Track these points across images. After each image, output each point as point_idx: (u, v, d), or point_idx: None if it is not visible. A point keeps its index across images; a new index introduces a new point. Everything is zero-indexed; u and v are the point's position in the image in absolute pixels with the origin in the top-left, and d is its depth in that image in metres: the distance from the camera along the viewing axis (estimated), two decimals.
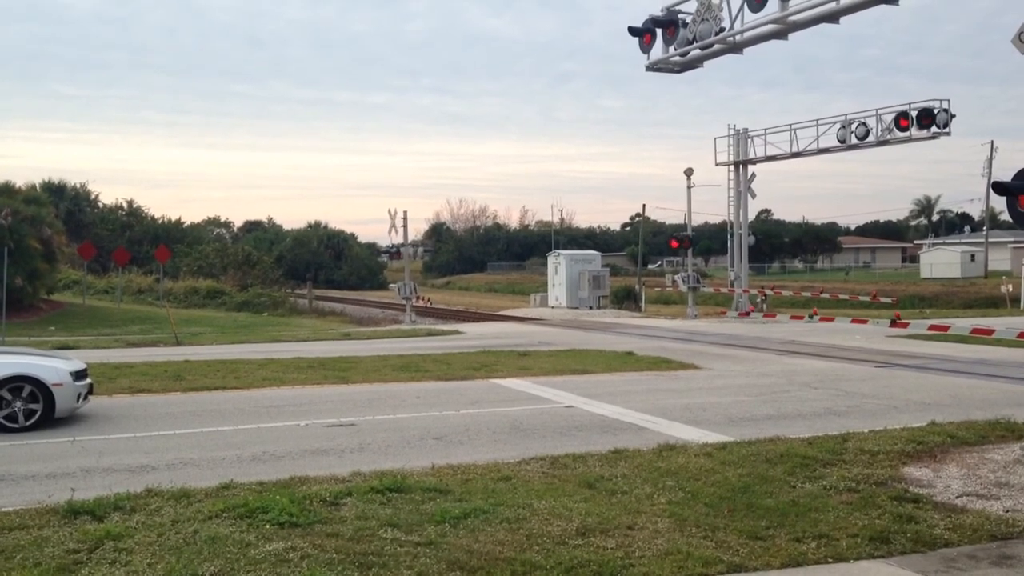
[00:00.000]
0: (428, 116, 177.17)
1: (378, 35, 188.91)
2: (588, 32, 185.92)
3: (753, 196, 34.38)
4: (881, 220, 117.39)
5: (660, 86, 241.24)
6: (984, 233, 71.66)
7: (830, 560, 5.90)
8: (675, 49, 17.53)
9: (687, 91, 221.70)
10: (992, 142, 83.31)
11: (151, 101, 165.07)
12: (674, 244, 37.55)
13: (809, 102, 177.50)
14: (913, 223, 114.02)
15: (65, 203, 61.60)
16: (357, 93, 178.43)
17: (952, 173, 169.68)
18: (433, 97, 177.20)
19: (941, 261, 66.52)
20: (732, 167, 34.02)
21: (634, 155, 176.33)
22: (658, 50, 17.85)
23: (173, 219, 75.45)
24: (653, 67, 18.11)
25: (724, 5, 16.38)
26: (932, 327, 23.66)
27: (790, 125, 31.98)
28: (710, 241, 76.68)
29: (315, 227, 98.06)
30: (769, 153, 32.99)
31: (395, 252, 37.20)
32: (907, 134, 28.25)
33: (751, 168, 33.88)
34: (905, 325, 24.86)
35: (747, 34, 16.22)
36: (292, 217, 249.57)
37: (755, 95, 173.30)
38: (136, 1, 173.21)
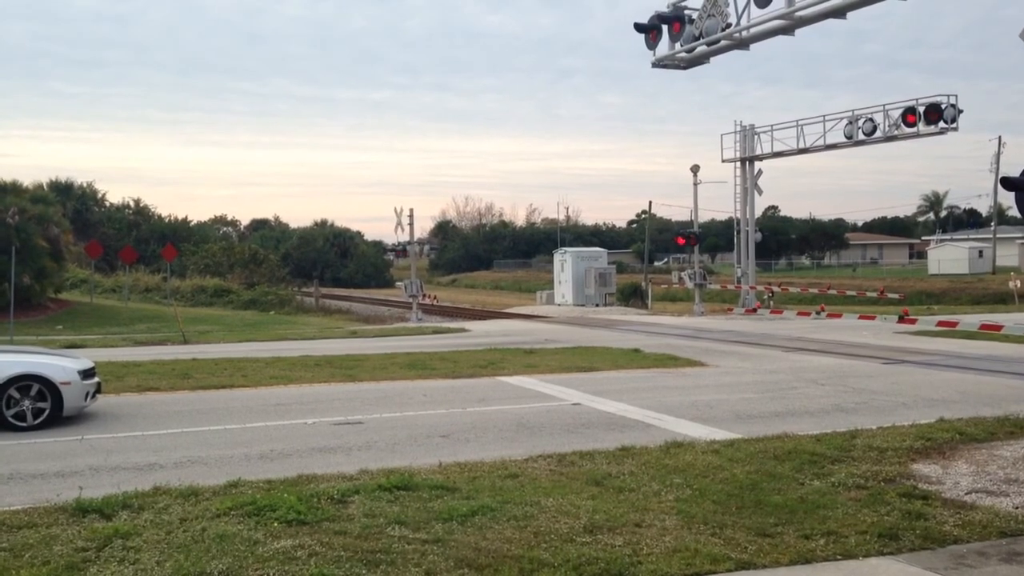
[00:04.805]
0: (431, 113, 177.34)
1: (378, 32, 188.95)
2: (588, 28, 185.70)
3: (760, 192, 34.35)
4: (888, 216, 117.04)
5: (661, 82, 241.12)
6: (992, 229, 71.39)
7: (839, 557, 5.89)
8: (681, 45, 17.48)
9: (688, 87, 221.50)
10: (1000, 137, 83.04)
11: (153, 99, 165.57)
12: (680, 241, 37.57)
13: (811, 98, 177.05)
14: (921, 219, 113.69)
15: (72, 202, 61.70)
16: (359, 90, 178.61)
17: (958, 168, 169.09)
18: (435, 94, 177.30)
19: (949, 257, 66.33)
20: (738, 163, 33.95)
21: (638, 152, 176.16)
22: (664, 46, 17.80)
23: (180, 218, 75.78)
24: (659, 63, 18.07)
25: (730, 1, 16.32)
26: (940, 323, 23.61)
27: (796, 121, 31.93)
28: (716, 238, 76.55)
29: (321, 225, 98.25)
30: (776, 149, 32.91)
31: (401, 250, 37.28)
32: (914, 129, 28.13)
33: (758, 164, 33.81)
34: (913, 321, 24.80)
35: (753, 30, 16.16)
36: (298, 215, 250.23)
37: (756, 91, 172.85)
38: None
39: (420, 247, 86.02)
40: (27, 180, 51.33)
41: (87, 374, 11.32)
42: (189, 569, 5.48)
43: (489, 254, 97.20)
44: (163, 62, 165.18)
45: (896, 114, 28.49)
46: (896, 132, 28.75)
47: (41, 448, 9.66)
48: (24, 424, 10.59)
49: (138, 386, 14.07)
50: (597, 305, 39.12)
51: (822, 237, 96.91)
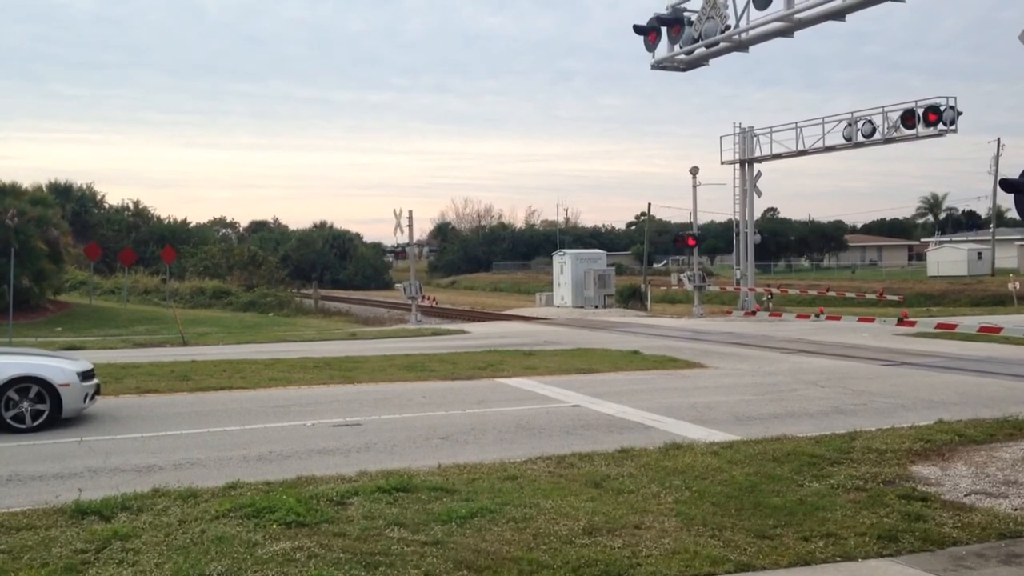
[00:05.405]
0: (430, 115, 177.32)
1: (376, 34, 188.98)
2: (587, 29, 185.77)
3: (759, 194, 34.36)
4: (888, 218, 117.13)
5: (660, 84, 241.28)
6: (991, 231, 71.43)
7: (838, 559, 5.89)
8: (680, 47, 17.46)
9: (688, 89, 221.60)
10: (999, 139, 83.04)
11: (152, 101, 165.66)
12: (680, 243, 37.56)
13: (810, 100, 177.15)
14: (920, 221, 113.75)
15: (71, 204, 61.62)
16: (358, 92, 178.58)
17: (957, 170, 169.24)
18: (434, 96, 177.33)
19: (948, 259, 66.34)
20: (738, 165, 33.98)
21: (637, 154, 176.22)
22: (663, 48, 17.78)
23: (179, 219, 75.55)
24: (658, 65, 18.05)
25: (729, 3, 16.30)
26: (939, 325, 23.61)
27: (795, 123, 31.99)
28: (716, 240, 76.60)
29: (320, 227, 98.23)
30: (775, 151, 32.95)
31: (400, 252, 37.31)
32: (914, 132, 28.16)
33: (757, 166, 33.83)
34: (912, 323, 24.80)
35: (753, 32, 16.14)
36: (297, 217, 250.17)
37: (755, 93, 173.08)
38: (134, 1, 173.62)
39: (419, 249, 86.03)
40: (26, 182, 51.38)
41: (86, 376, 11.31)
42: (188, 571, 5.47)
43: (488, 256, 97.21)
44: (162, 64, 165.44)
45: (895, 116, 28.53)
46: (895, 134, 28.77)
47: (40, 450, 9.65)
48: (23, 426, 10.58)
49: (137, 388, 14.06)
50: (596, 307, 39.11)
51: (821, 239, 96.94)
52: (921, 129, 27.98)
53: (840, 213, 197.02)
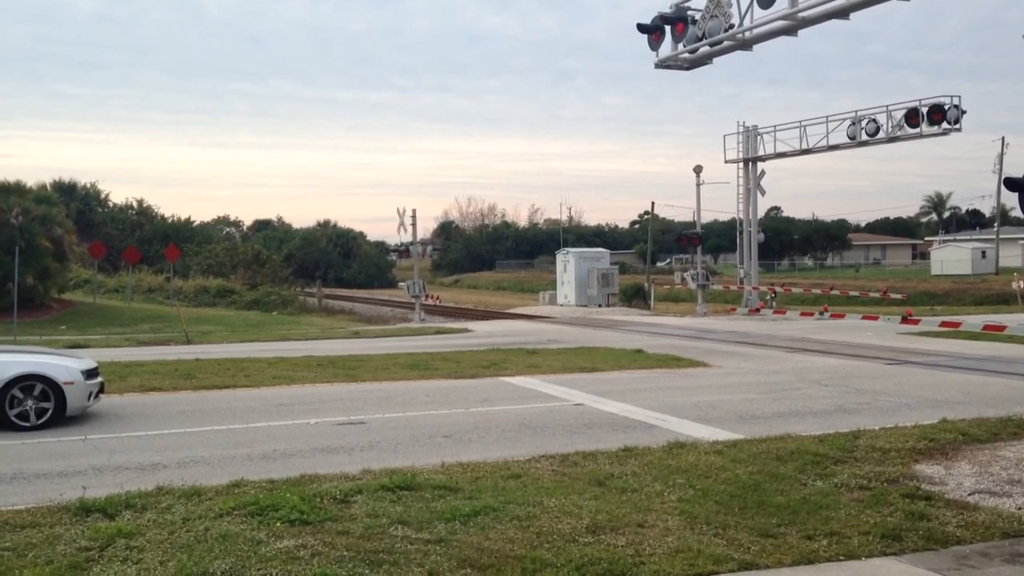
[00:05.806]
0: (432, 114, 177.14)
1: (377, 34, 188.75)
2: (589, 29, 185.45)
3: (763, 193, 34.32)
4: (891, 217, 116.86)
5: (663, 84, 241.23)
6: (995, 230, 71.28)
7: (842, 558, 5.88)
8: (684, 46, 17.46)
9: (690, 88, 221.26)
10: (1003, 138, 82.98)
11: (154, 100, 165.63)
12: (683, 242, 37.56)
13: (813, 99, 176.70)
14: (924, 220, 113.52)
15: (75, 202, 61.84)
16: (359, 92, 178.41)
17: (961, 170, 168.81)
18: (436, 95, 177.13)
19: (952, 258, 66.24)
20: (741, 164, 33.93)
21: (639, 153, 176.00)
22: (667, 47, 17.77)
23: (183, 218, 75.64)
24: (662, 64, 18.04)
25: (733, 1, 16.29)
26: (943, 324, 23.62)
27: (800, 122, 31.93)
28: (719, 238, 76.55)
29: (324, 226, 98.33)
30: (779, 150, 32.89)
31: (404, 250, 37.36)
32: (918, 130, 28.11)
33: (761, 165, 33.79)
34: (916, 322, 24.80)
35: (756, 31, 16.13)
36: (301, 216, 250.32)
37: (758, 92, 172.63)
38: (136, 1, 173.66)
39: (423, 247, 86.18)
40: (31, 180, 51.39)
41: (90, 374, 11.33)
42: (192, 569, 5.48)
43: (492, 254, 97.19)
44: (164, 64, 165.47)
45: (899, 115, 28.48)
46: (899, 133, 28.72)
47: (44, 448, 9.68)
48: (27, 424, 10.61)
49: (141, 386, 14.09)
50: (600, 305, 39.11)
51: (825, 238, 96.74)
52: (925, 128, 27.94)
53: (844, 212, 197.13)
